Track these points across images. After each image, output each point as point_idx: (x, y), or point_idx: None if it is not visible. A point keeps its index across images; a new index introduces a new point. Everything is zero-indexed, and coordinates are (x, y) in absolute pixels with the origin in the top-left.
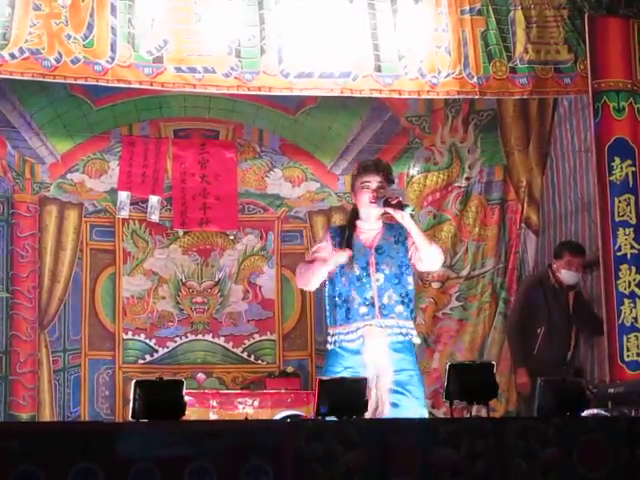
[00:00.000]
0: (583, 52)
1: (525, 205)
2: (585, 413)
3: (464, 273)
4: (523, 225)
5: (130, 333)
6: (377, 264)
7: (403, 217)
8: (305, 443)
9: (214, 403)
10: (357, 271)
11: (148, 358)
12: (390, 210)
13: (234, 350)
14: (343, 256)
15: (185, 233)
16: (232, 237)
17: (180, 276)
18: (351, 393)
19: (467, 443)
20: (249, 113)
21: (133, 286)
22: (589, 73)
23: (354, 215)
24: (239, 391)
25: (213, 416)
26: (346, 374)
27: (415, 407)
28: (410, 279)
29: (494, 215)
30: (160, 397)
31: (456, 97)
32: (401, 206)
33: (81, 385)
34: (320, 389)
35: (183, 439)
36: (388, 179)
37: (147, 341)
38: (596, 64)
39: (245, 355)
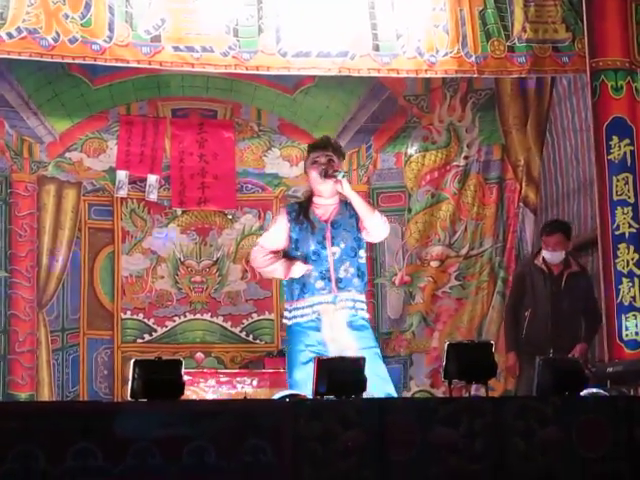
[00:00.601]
0: (581, 31)
1: (523, 184)
2: (584, 392)
3: (463, 252)
4: (521, 204)
5: (129, 312)
6: (333, 238)
7: (342, 187)
8: (304, 422)
9: (213, 382)
10: (313, 246)
11: (147, 337)
12: (330, 181)
13: (233, 329)
14: (302, 270)
15: (183, 212)
16: (230, 216)
17: (179, 255)
18: (349, 372)
19: (466, 422)
20: (247, 92)
21: (132, 265)
22: (587, 52)
23: (310, 192)
24: (238, 370)
25: (212, 396)
26: (309, 352)
27: (383, 385)
28: (362, 253)
29: (492, 194)
30: (159, 376)
31: (454, 76)
32: (333, 175)
33: (80, 364)
34: (318, 368)
35: (182, 419)
36: (338, 153)
37: (146, 320)
38: (594, 43)
39: (244, 335)
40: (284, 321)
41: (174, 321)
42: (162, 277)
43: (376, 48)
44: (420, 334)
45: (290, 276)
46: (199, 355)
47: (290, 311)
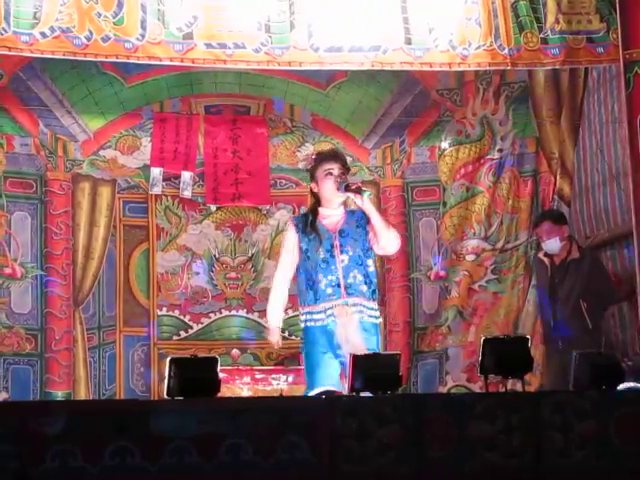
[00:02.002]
0: (615, 21)
1: (558, 177)
2: (621, 386)
3: (499, 245)
4: (556, 197)
5: (164, 309)
6: (341, 246)
7: (363, 202)
8: (340, 419)
9: (248, 379)
10: (322, 254)
11: (183, 334)
12: (351, 195)
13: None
14: (275, 336)
15: (218, 208)
16: (265, 212)
17: (213, 252)
18: (385, 368)
19: (503, 417)
20: (280, 88)
21: (167, 262)
22: (620, 43)
23: (316, 202)
24: (273, 367)
25: (247, 393)
26: (323, 355)
27: None
28: (370, 262)
29: (527, 187)
30: (195, 374)
31: (487, 69)
32: (360, 191)
33: (116, 362)
34: (354, 364)
35: (218, 416)
36: (346, 166)
37: (181, 317)
38: (627, 34)
39: None
40: (300, 324)
41: (210, 317)
42: (197, 274)
43: (408, 42)
44: (456, 328)
45: (268, 338)
46: (235, 352)
47: (304, 314)
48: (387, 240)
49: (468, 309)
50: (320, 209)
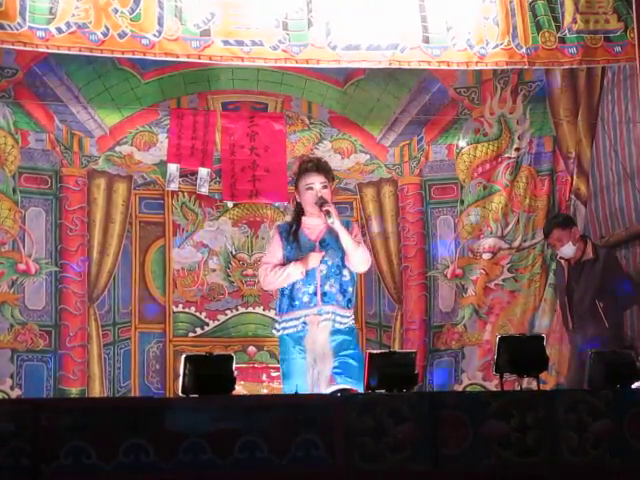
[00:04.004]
0: (632, 21)
1: (574, 176)
2: (636, 385)
3: (515, 244)
4: (572, 196)
5: (180, 306)
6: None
7: (333, 222)
8: (355, 417)
9: (264, 377)
10: None
11: (199, 331)
12: (322, 215)
13: None
14: (317, 258)
15: (235, 205)
16: (282, 209)
17: (230, 248)
18: (400, 366)
19: (518, 416)
20: (297, 85)
21: (183, 258)
22: (636, 43)
23: (299, 211)
24: None
25: (263, 390)
26: (299, 360)
27: (355, 385)
28: (346, 272)
29: (544, 186)
30: (210, 372)
31: (505, 68)
32: (327, 214)
33: (131, 359)
34: (369, 363)
35: (233, 414)
36: (329, 176)
37: (197, 314)
38: None
39: None
40: (273, 332)
41: (226, 314)
42: (214, 270)
43: (426, 40)
44: (472, 327)
45: (310, 267)
46: (251, 349)
47: (280, 323)
48: (356, 259)
49: (484, 307)
50: (303, 218)
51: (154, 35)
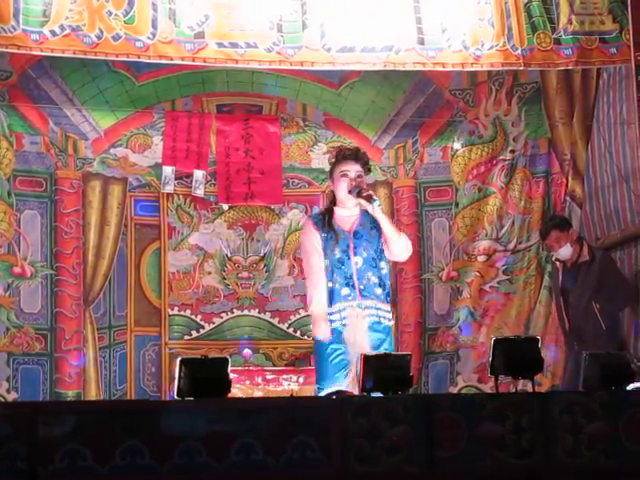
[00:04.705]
0: (628, 22)
1: (570, 178)
2: (630, 387)
3: (510, 246)
4: (568, 198)
5: (176, 309)
6: (355, 248)
7: (373, 209)
8: (351, 419)
9: (259, 380)
10: (338, 254)
11: (194, 334)
12: (362, 201)
13: (280, 326)
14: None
15: (230, 208)
16: (277, 211)
17: (225, 251)
18: (395, 369)
19: (513, 418)
20: (292, 87)
21: (178, 261)
22: (631, 45)
23: (333, 201)
24: (284, 368)
25: (258, 393)
26: (335, 356)
27: None
28: (384, 264)
29: (539, 188)
30: (205, 375)
31: (500, 69)
32: (370, 199)
33: (127, 362)
34: (365, 365)
35: (229, 416)
36: (366, 167)
37: (193, 317)
38: (639, 35)
39: (291, 331)
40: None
41: (221, 317)
42: (209, 273)
43: (421, 42)
44: (467, 329)
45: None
46: (247, 352)
47: None
48: (398, 248)
49: (479, 310)
50: (335, 208)
51: (148, 38)
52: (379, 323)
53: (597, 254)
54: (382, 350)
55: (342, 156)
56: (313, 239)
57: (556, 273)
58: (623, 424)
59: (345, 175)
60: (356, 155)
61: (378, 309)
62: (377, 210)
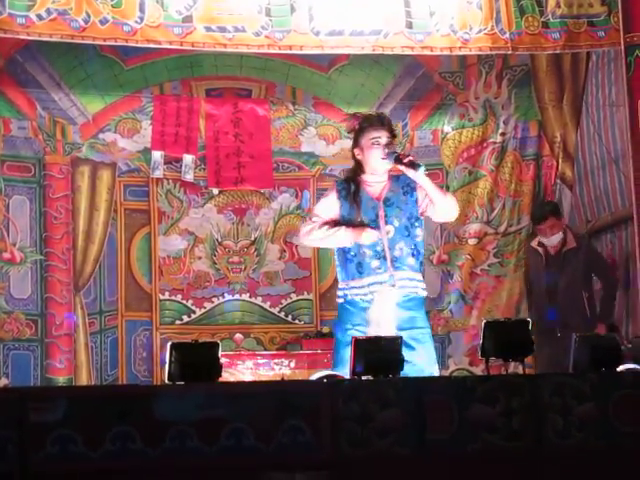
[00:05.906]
0: (616, 5)
1: (560, 161)
2: (620, 368)
3: (501, 229)
4: (558, 181)
5: (167, 294)
6: (386, 216)
7: (417, 176)
8: (342, 403)
9: (250, 364)
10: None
11: (185, 319)
12: (402, 168)
13: (271, 310)
14: (373, 237)
15: (220, 192)
16: (267, 196)
17: (216, 235)
18: (386, 352)
19: (503, 400)
20: (281, 71)
21: (169, 246)
22: (621, 27)
23: (357, 170)
24: (275, 352)
25: (249, 377)
26: (355, 331)
27: (425, 364)
28: (419, 231)
29: (529, 171)
30: (196, 359)
31: (488, 53)
32: (414, 165)
33: (118, 347)
34: (355, 348)
35: (219, 401)
36: (393, 133)
37: (184, 302)
38: (629, 17)
39: (282, 315)
40: (337, 300)
41: (212, 302)
42: (200, 258)
43: (409, 26)
44: (458, 312)
45: (360, 242)
46: (238, 336)
47: (344, 290)
48: (446, 208)
49: (470, 293)
50: (363, 176)
51: (136, 22)
52: (410, 299)
53: (583, 242)
54: (415, 331)
55: (369, 123)
56: (330, 204)
57: (539, 259)
58: (613, 405)
59: (377, 143)
60: (382, 121)
61: (412, 280)
62: (421, 176)
